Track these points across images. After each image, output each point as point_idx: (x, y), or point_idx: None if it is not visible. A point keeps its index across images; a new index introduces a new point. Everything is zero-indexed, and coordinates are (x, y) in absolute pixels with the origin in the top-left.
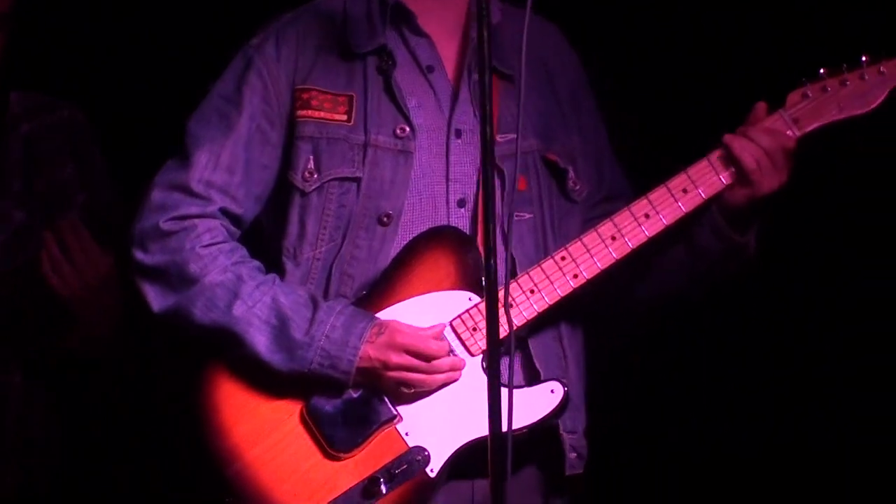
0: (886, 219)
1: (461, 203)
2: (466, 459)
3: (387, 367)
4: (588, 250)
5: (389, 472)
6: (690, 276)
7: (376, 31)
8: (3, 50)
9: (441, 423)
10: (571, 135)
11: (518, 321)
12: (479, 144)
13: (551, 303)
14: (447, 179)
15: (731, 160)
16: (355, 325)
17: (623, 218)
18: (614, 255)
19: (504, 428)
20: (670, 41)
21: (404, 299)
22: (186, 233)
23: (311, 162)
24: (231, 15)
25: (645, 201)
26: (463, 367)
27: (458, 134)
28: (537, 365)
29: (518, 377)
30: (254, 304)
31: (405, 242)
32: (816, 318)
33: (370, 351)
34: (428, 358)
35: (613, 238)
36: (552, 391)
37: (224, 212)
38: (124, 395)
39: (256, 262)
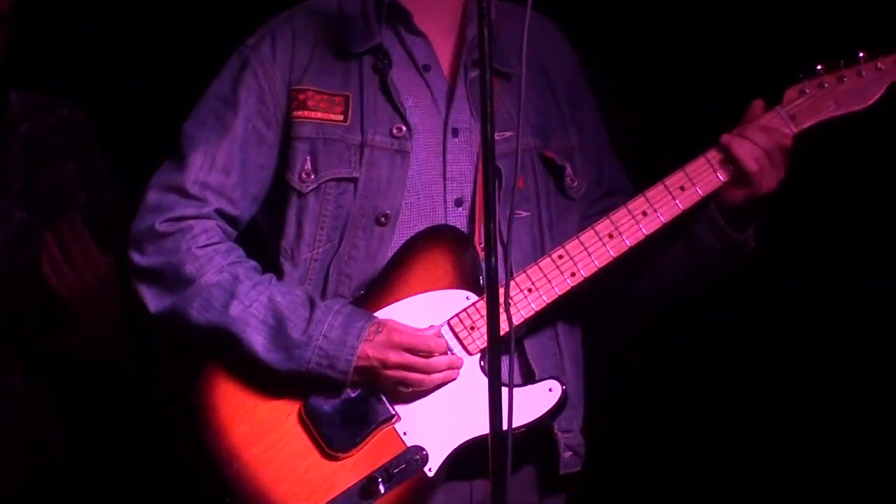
0: (884, 215)
1: (458, 202)
2: (465, 459)
3: (385, 365)
4: (585, 248)
5: (388, 472)
6: (688, 273)
7: (372, 30)
8: (3, 50)
9: (439, 423)
10: (569, 132)
11: (516, 320)
12: (477, 143)
13: (549, 301)
14: (444, 178)
15: (729, 159)
16: (353, 324)
17: (621, 216)
18: (612, 253)
19: (504, 427)
20: (670, 41)
21: (402, 298)
22: (182, 234)
23: (308, 163)
24: (231, 15)
25: (642, 199)
26: (461, 366)
27: (455, 133)
28: (532, 363)
29: (514, 376)
30: (250, 304)
31: (403, 242)
32: (814, 315)
33: (368, 350)
34: (426, 357)
35: (611, 236)
36: (550, 389)
37: (220, 213)
38: (124, 395)
39: (253, 262)
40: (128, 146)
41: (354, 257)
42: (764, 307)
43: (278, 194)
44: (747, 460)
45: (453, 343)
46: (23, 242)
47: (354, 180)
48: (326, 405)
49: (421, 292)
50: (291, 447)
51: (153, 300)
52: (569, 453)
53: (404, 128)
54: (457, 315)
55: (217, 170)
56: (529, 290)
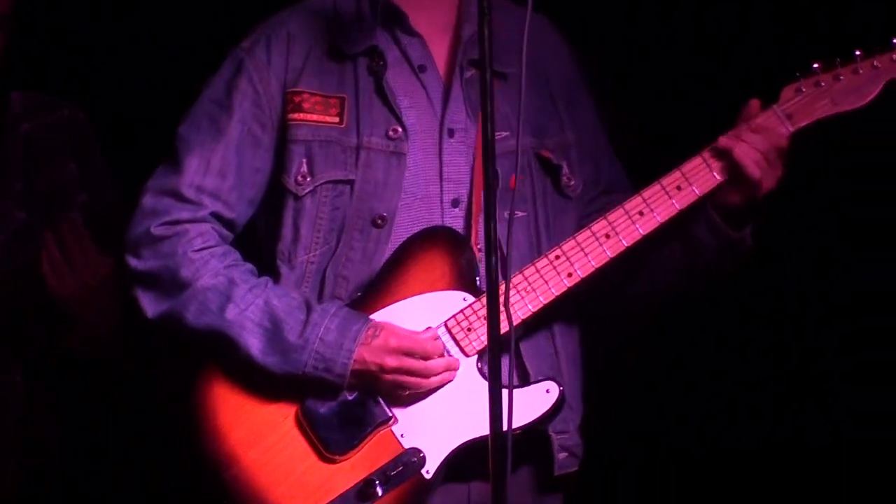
0: (882, 213)
1: (455, 203)
2: (463, 460)
3: (383, 370)
4: (582, 249)
5: (385, 474)
6: (686, 273)
7: (367, 31)
8: (3, 50)
9: (437, 425)
10: (565, 130)
11: (513, 321)
12: (473, 143)
13: (546, 302)
14: (441, 179)
15: (728, 161)
16: (349, 327)
17: (617, 216)
18: (608, 253)
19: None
20: (670, 41)
21: (399, 300)
22: (178, 238)
23: (305, 165)
24: (231, 15)
25: (639, 199)
26: (458, 368)
27: (451, 133)
28: (527, 364)
29: (506, 376)
30: (246, 307)
31: (399, 244)
32: (813, 315)
33: (365, 354)
34: (423, 360)
35: (608, 236)
36: (547, 391)
37: (215, 216)
38: (124, 395)
39: (249, 265)
40: (128, 146)
41: (351, 259)
42: (763, 307)
43: (274, 197)
44: (746, 460)
45: (450, 345)
46: (23, 242)
47: (351, 182)
48: (323, 408)
49: (418, 294)
50: (289, 450)
51: (150, 305)
52: (564, 454)
53: (400, 129)
54: (454, 316)
55: (212, 173)
56: (526, 291)
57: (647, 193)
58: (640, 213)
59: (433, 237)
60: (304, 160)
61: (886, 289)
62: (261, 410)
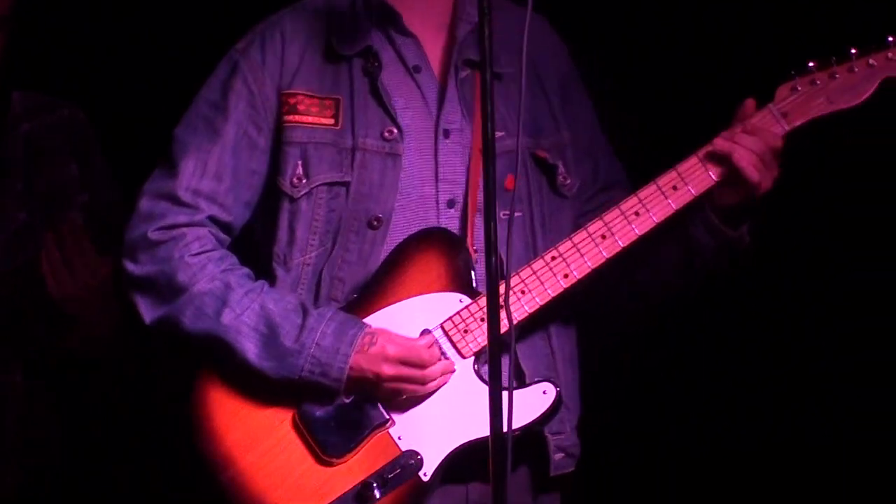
0: (880, 212)
1: (451, 203)
2: (461, 462)
3: (380, 378)
4: (578, 250)
5: (382, 477)
6: (683, 272)
7: (362, 32)
8: (3, 50)
9: (434, 427)
10: (561, 128)
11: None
12: (468, 144)
13: (542, 303)
14: (436, 180)
15: (726, 164)
16: (346, 332)
17: (613, 216)
18: (605, 253)
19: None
20: (669, 40)
21: (395, 302)
22: (175, 242)
23: (300, 167)
24: (231, 15)
25: (635, 199)
26: (454, 371)
27: (447, 134)
28: (523, 365)
29: (506, 378)
30: (242, 312)
31: (395, 245)
32: (813, 315)
33: (362, 362)
34: (421, 368)
35: (604, 237)
36: (544, 392)
37: (212, 220)
38: (124, 395)
39: (246, 270)
40: (128, 146)
41: (347, 261)
42: (761, 306)
43: (270, 199)
44: (745, 460)
45: (447, 346)
46: (23, 242)
47: (346, 184)
48: (320, 411)
49: (414, 295)
50: (286, 453)
51: (147, 310)
52: (560, 455)
53: (395, 130)
54: (450, 318)
55: (209, 176)
56: (522, 292)
57: (643, 194)
58: (637, 214)
59: (429, 238)
60: (300, 162)
61: (886, 288)
62: (258, 414)
